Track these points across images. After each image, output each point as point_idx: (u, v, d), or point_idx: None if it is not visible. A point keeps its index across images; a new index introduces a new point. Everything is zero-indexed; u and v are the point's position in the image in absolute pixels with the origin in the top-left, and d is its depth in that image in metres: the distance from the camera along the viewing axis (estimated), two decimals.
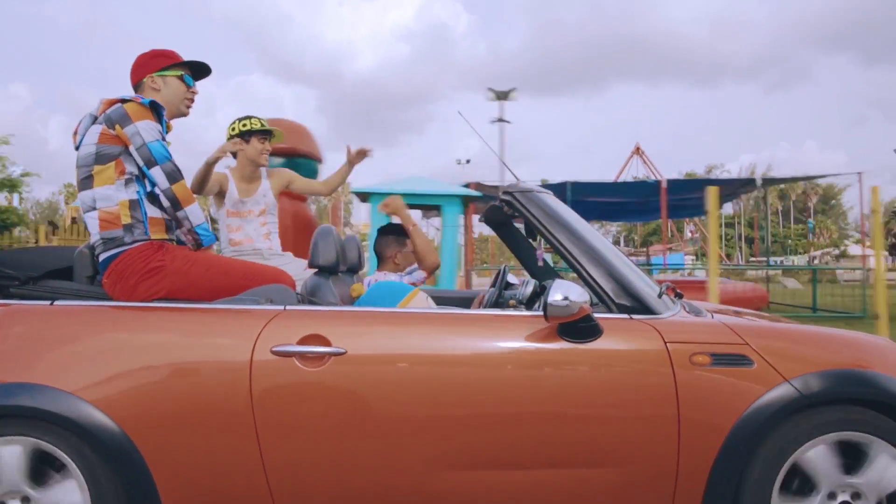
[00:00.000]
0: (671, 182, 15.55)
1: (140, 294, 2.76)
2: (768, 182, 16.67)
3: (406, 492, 2.51)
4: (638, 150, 55.11)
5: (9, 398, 2.42)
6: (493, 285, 3.67)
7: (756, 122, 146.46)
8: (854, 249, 68.31)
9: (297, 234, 6.73)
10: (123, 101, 2.89)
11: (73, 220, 19.93)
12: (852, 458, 2.50)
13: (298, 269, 3.87)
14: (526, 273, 4.16)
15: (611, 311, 2.62)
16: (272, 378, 2.47)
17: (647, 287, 2.76)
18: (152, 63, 3.12)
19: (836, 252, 68.30)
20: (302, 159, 8.17)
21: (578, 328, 2.50)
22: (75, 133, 2.97)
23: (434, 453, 2.48)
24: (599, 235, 3.06)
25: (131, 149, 2.85)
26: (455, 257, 12.05)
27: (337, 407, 2.48)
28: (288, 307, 2.64)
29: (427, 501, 2.51)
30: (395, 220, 3.98)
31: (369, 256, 6.83)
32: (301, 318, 2.59)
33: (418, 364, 2.52)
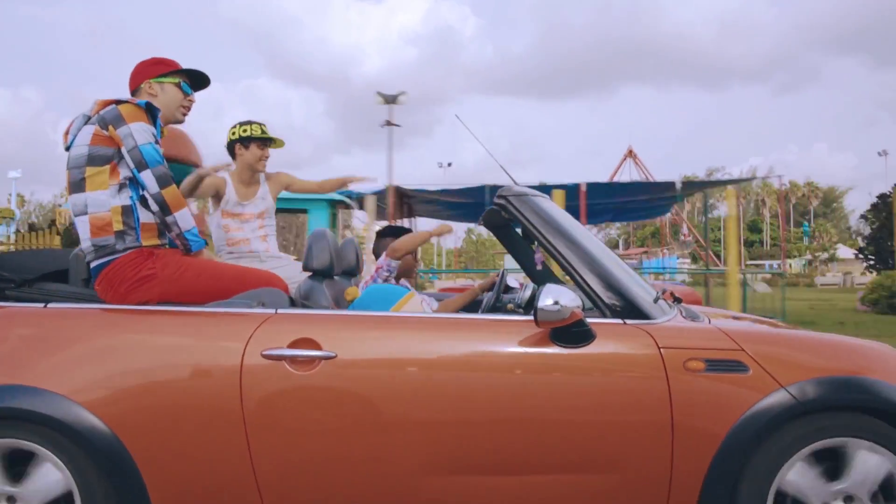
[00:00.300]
0: (591, 185, 15.01)
1: (132, 302, 2.73)
2: (688, 186, 16.48)
3: (396, 496, 2.47)
4: (631, 153, 55.20)
5: (1, 400, 2.40)
6: (492, 289, 3.66)
7: (764, 125, 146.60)
8: (844, 252, 68.29)
9: None
10: (118, 102, 2.85)
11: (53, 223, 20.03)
12: (833, 463, 2.45)
13: (296, 272, 3.84)
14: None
15: (604, 316, 2.58)
16: (262, 381, 2.44)
17: (641, 291, 2.72)
18: (151, 69, 3.08)
19: (825, 256, 68.32)
20: (178, 164, 8.15)
21: (571, 333, 2.46)
22: (66, 133, 2.92)
23: (424, 458, 2.44)
24: (595, 239, 3.03)
25: (123, 150, 2.80)
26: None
27: (327, 411, 2.45)
28: (279, 310, 2.61)
29: None
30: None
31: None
32: (292, 321, 2.56)
33: (409, 368, 2.49)
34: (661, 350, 2.47)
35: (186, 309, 2.67)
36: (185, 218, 2.89)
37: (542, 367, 2.48)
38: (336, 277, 3.60)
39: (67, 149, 2.88)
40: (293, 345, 2.48)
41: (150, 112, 2.91)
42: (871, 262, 21.65)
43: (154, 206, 2.85)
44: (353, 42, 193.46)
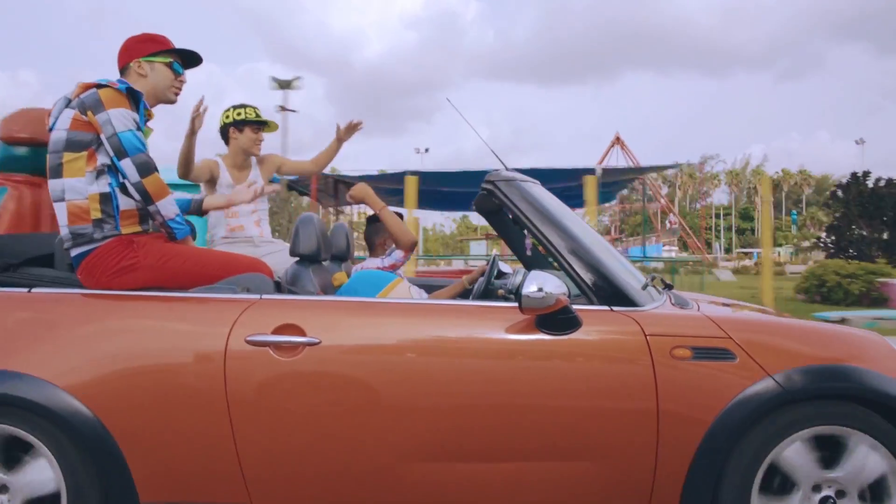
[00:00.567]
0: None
1: (114, 289, 2.67)
2: (609, 173, 16.26)
3: (379, 482, 2.44)
4: (618, 140, 55.23)
5: None
6: (483, 275, 3.63)
7: (767, 112, 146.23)
8: None
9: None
10: (99, 85, 2.76)
11: None
12: (831, 452, 2.43)
13: (290, 257, 3.81)
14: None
15: (591, 303, 2.55)
16: (246, 367, 2.42)
17: (630, 278, 2.68)
18: (140, 47, 2.97)
19: (807, 244, 68.48)
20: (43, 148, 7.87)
21: (557, 320, 2.43)
22: (48, 115, 2.83)
23: (407, 445, 2.42)
24: (584, 225, 2.99)
25: (102, 137, 2.72)
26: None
27: (311, 397, 2.42)
28: (264, 296, 2.58)
29: (400, 492, 2.45)
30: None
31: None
32: (277, 307, 2.53)
33: (392, 355, 2.46)
34: (648, 337, 2.43)
35: (171, 294, 2.64)
36: (167, 207, 2.81)
37: (528, 355, 2.45)
38: (326, 263, 3.57)
39: (50, 130, 2.80)
40: (277, 331, 2.44)
41: (133, 96, 2.81)
42: (832, 251, 21.46)
43: (136, 196, 2.77)
44: (353, 26, 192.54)
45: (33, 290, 2.62)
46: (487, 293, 3.31)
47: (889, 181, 19.28)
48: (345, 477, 2.44)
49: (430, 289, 3.72)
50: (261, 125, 4.30)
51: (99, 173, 2.73)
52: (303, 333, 2.44)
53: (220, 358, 2.41)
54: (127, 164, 2.71)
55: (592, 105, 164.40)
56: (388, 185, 16.38)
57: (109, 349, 2.46)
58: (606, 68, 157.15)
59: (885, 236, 19.55)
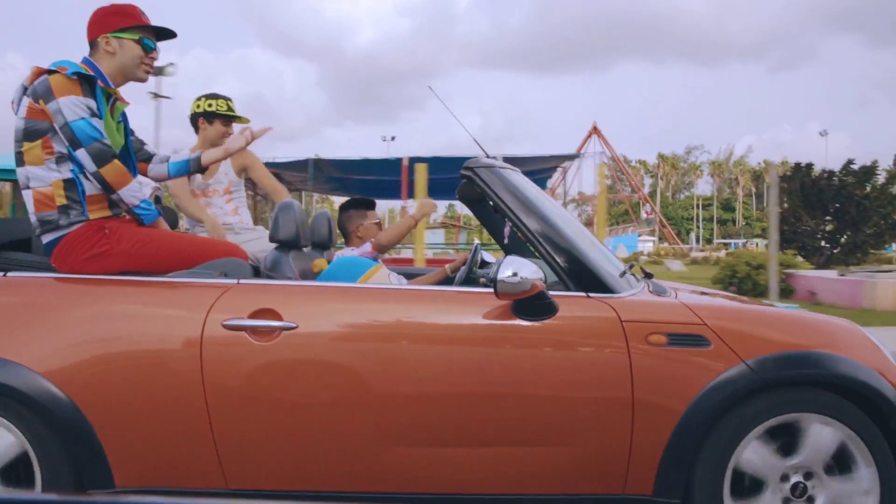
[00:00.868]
0: (414, 159, 13.97)
1: (89, 274, 2.61)
2: (509, 161, 15.47)
3: (356, 467, 2.43)
4: (595, 130, 55.26)
5: None
6: (465, 263, 3.62)
7: (759, 103, 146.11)
8: None
9: None
10: (50, 71, 2.62)
11: None
12: (788, 440, 2.43)
13: (271, 244, 3.78)
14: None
15: (568, 289, 2.54)
16: (223, 352, 2.40)
17: (607, 265, 2.68)
18: (109, 21, 2.80)
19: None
20: None
21: (532, 305, 2.41)
22: (13, 103, 2.73)
23: (384, 429, 2.41)
24: (563, 212, 2.99)
25: (56, 127, 2.61)
26: None
27: (287, 381, 2.41)
28: (241, 281, 2.55)
29: (378, 476, 2.43)
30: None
31: None
32: (254, 292, 2.50)
33: (369, 340, 2.45)
34: (624, 323, 2.43)
35: (148, 279, 2.61)
36: (130, 194, 2.70)
37: (504, 340, 2.44)
38: (307, 249, 3.55)
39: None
40: (254, 315, 2.42)
41: (87, 81, 2.67)
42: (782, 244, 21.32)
43: (97, 185, 2.66)
44: (346, 12, 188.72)
45: (8, 274, 2.57)
46: (469, 282, 3.30)
47: (830, 173, 19.13)
48: (322, 461, 2.43)
49: (411, 277, 3.71)
50: (231, 119, 4.20)
51: (59, 160, 2.63)
52: (279, 318, 2.42)
53: (197, 342, 2.39)
54: (82, 155, 2.60)
55: (586, 94, 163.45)
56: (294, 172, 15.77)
57: (86, 333, 2.42)
58: (600, 58, 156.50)
59: (828, 228, 19.40)
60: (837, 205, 18.77)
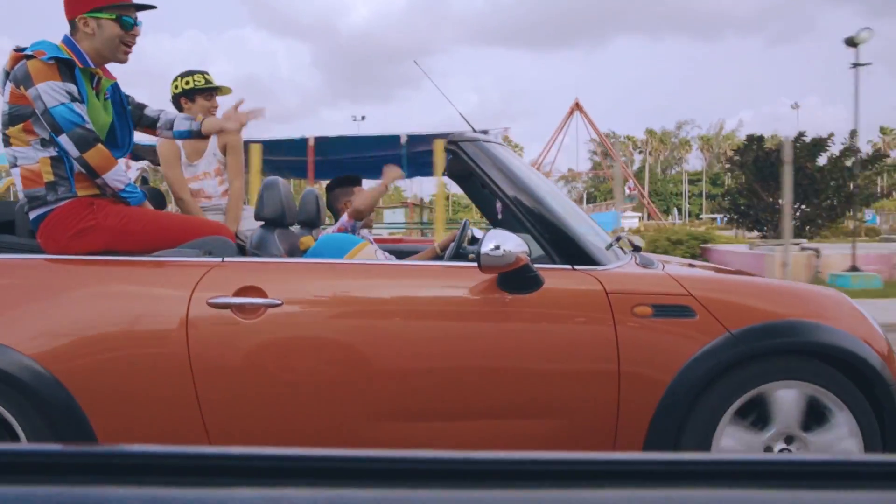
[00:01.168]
0: (321, 140, 13.27)
1: (74, 252, 2.60)
2: (414, 138, 14.37)
3: (342, 442, 2.42)
4: (578, 107, 54.83)
5: None
6: (455, 239, 3.61)
7: (757, 76, 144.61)
8: None
9: None
10: (28, 56, 2.57)
11: None
12: (760, 413, 2.44)
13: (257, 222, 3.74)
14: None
15: (554, 262, 2.52)
16: (208, 329, 2.38)
17: (593, 237, 2.66)
18: (83, 0, 2.72)
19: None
20: None
21: (518, 279, 2.39)
22: None
23: (370, 405, 2.40)
24: (550, 185, 2.97)
25: (37, 112, 2.56)
26: None
27: (273, 358, 2.39)
28: (226, 259, 2.53)
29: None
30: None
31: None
32: (239, 270, 2.48)
33: (354, 316, 2.43)
34: (609, 295, 2.41)
35: (132, 258, 2.58)
36: (115, 178, 2.67)
37: (490, 314, 2.42)
38: (296, 228, 3.52)
39: None
40: (238, 293, 2.40)
41: (66, 65, 2.61)
42: (735, 219, 20.83)
43: (82, 169, 2.63)
44: None
45: None
46: (458, 258, 3.29)
47: (780, 144, 18.77)
48: (308, 437, 2.42)
49: (399, 255, 3.69)
50: (212, 91, 4.08)
51: (43, 142, 2.61)
52: (264, 295, 2.39)
53: (182, 320, 2.37)
54: (64, 140, 2.56)
55: (583, 70, 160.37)
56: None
57: (72, 314, 2.40)
58: (597, 33, 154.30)
59: (780, 202, 19.12)
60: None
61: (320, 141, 13.21)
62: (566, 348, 2.40)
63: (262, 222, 3.07)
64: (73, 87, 2.60)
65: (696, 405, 2.39)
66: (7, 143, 2.64)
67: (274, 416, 2.40)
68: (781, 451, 2.42)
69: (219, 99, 4.14)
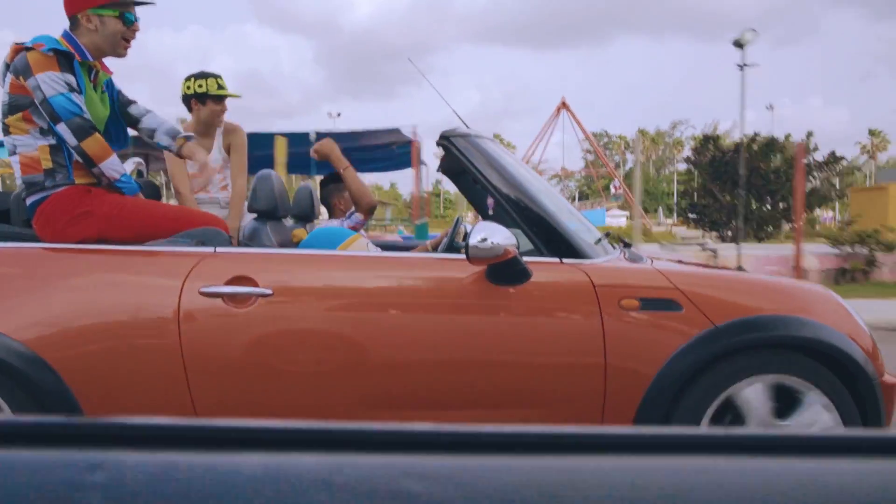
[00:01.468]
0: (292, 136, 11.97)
1: (69, 239, 2.60)
2: (322, 136, 13.68)
3: None
4: (564, 106, 54.67)
5: None
6: (447, 234, 3.62)
7: (760, 78, 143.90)
8: None
9: None
10: (27, 48, 2.60)
11: None
12: (735, 412, 2.44)
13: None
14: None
15: (542, 255, 2.53)
16: (200, 319, 2.38)
17: (582, 231, 2.67)
18: None
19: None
20: None
21: (506, 271, 2.40)
22: None
23: (358, 394, 2.40)
24: (540, 180, 2.98)
25: (36, 102, 2.59)
26: None
27: (264, 347, 2.40)
28: (218, 249, 2.53)
29: None
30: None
31: None
32: (230, 260, 2.48)
33: (343, 307, 2.44)
34: (597, 288, 2.42)
35: (125, 248, 2.58)
36: (111, 167, 2.69)
37: (479, 306, 2.43)
38: (290, 221, 3.53)
39: None
40: (230, 282, 2.40)
41: (64, 57, 2.63)
42: (695, 219, 20.46)
43: (79, 158, 2.65)
44: None
45: None
46: (450, 251, 3.29)
47: (737, 145, 18.52)
48: None
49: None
50: (223, 98, 4.11)
51: (42, 131, 2.64)
52: (255, 285, 2.40)
53: (174, 309, 2.37)
54: (62, 129, 2.59)
55: (585, 69, 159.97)
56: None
57: (65, 303, 2.41)
58: (599, 32, 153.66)
59: (735, 202, 18.82)
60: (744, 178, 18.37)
61: (252, 136, 12.73)
62: (554, 340, 2.41)
63: (255, 214, 3.08)
64: (71, 78, 2.62)
65: (681, 397, 2.40)
66: (6, 132, 2.67)
67: (264, 403, 2.41)
68: None
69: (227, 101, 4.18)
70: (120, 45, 2.81)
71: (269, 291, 2.39)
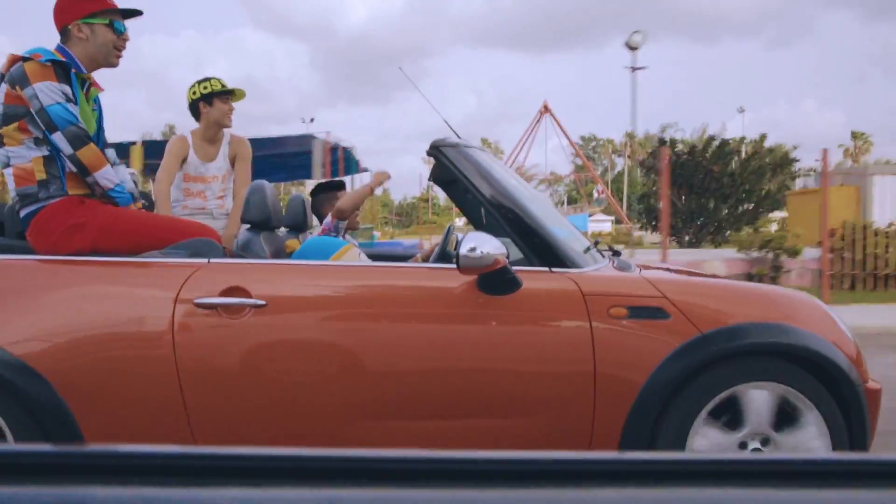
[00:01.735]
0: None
1: (64, 250, 2.59)
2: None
3: (324, 441, 2.42)
4: (546, 109, 54.54)
5: None
6: (440, 243, 3.61)
7: (755, 80, 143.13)
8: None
9: None
10: (24, 58, 2.61)
11: None
12: (732, 414, 2.45)
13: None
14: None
15: (532, 264, 2.53)
16: (194, 329, 2.38)
17: (571, 241, 2.68)
18: (77, 7, 2.77)
19: None
20: None
21: (496, 280, 2.40)
22: None
23: (351, 404, 2.40)
24: (530, 190, 2.98)
25: (32, 111, 2.60)
26: None
27: (258, 357, 2.39)
28: (212, 260, 2.52)
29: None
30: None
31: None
32: (224, 270, 2.47)
33: (335, 317, 2.44)
34: (586, 297, 2.43)
35: (119, 259, 2.57)
36: (105, 177, 2.70)
37: (469, 315, 2.43)
38: (282, 232, 3.52)
39: None
40: (224, 293, 2.40)
41: (62, 67, 2.66)
42: (645, 222, 20.25)
43: (74, 168, 2.66)
44: None
45: None
46: (442, 259, 3.29)
47: (691, 148, 18.42)
48: (291, 436, 2.42)
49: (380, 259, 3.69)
50: (228, 94, 4.16)
51: (37, 141, 2.64)
52: (249, 295, 2.40)
53: (169, 320, 2.36)
54: (58, 138, 2.60)
55: (582, 73, 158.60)
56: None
57: (60, 315, 2.39)
58: (596, 35, 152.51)
59: (692, 207, 18.61)
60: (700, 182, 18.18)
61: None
62: (543, 348, 2.41)
63: (248, 225, 3.07)
64: (68, 89, 2.65)
65: (670, 405, 2.41)
66: (0, 143, 2.66)
67: (258, 414, 2.41)
68: (754, 451, 2.44)
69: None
70: (112, 55, 2.84)
71: (262, 302, 2.39)
